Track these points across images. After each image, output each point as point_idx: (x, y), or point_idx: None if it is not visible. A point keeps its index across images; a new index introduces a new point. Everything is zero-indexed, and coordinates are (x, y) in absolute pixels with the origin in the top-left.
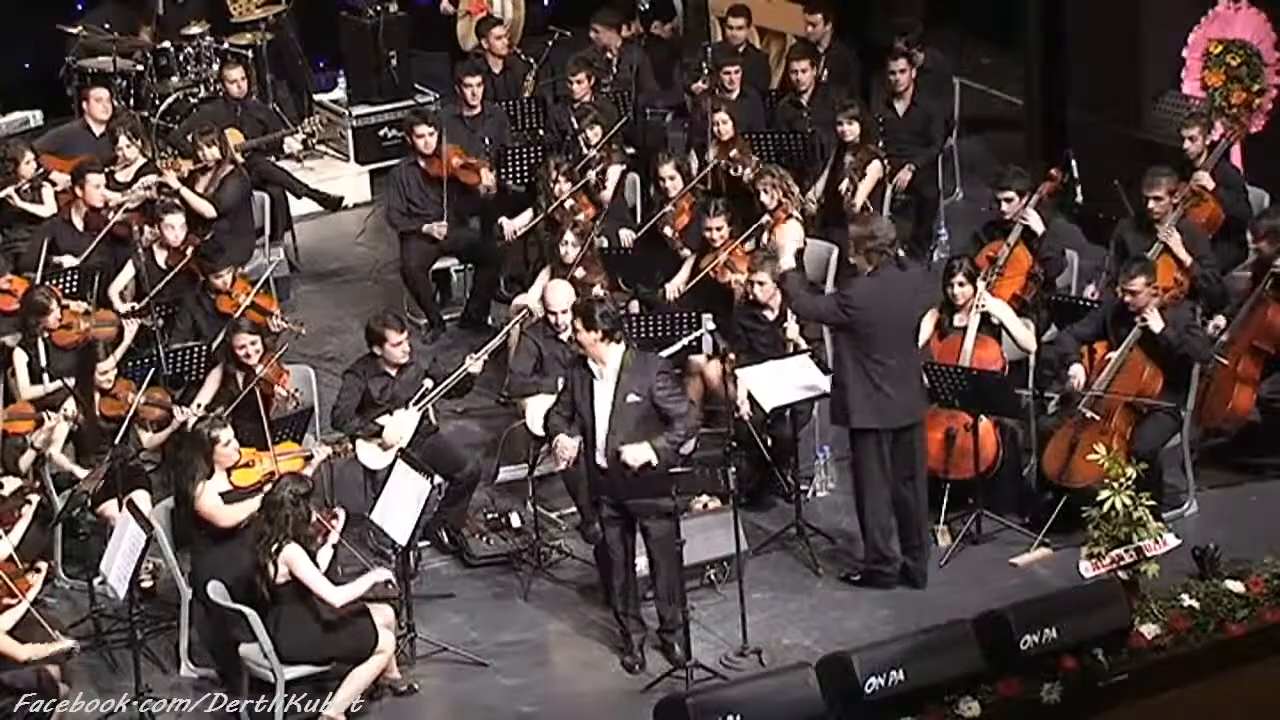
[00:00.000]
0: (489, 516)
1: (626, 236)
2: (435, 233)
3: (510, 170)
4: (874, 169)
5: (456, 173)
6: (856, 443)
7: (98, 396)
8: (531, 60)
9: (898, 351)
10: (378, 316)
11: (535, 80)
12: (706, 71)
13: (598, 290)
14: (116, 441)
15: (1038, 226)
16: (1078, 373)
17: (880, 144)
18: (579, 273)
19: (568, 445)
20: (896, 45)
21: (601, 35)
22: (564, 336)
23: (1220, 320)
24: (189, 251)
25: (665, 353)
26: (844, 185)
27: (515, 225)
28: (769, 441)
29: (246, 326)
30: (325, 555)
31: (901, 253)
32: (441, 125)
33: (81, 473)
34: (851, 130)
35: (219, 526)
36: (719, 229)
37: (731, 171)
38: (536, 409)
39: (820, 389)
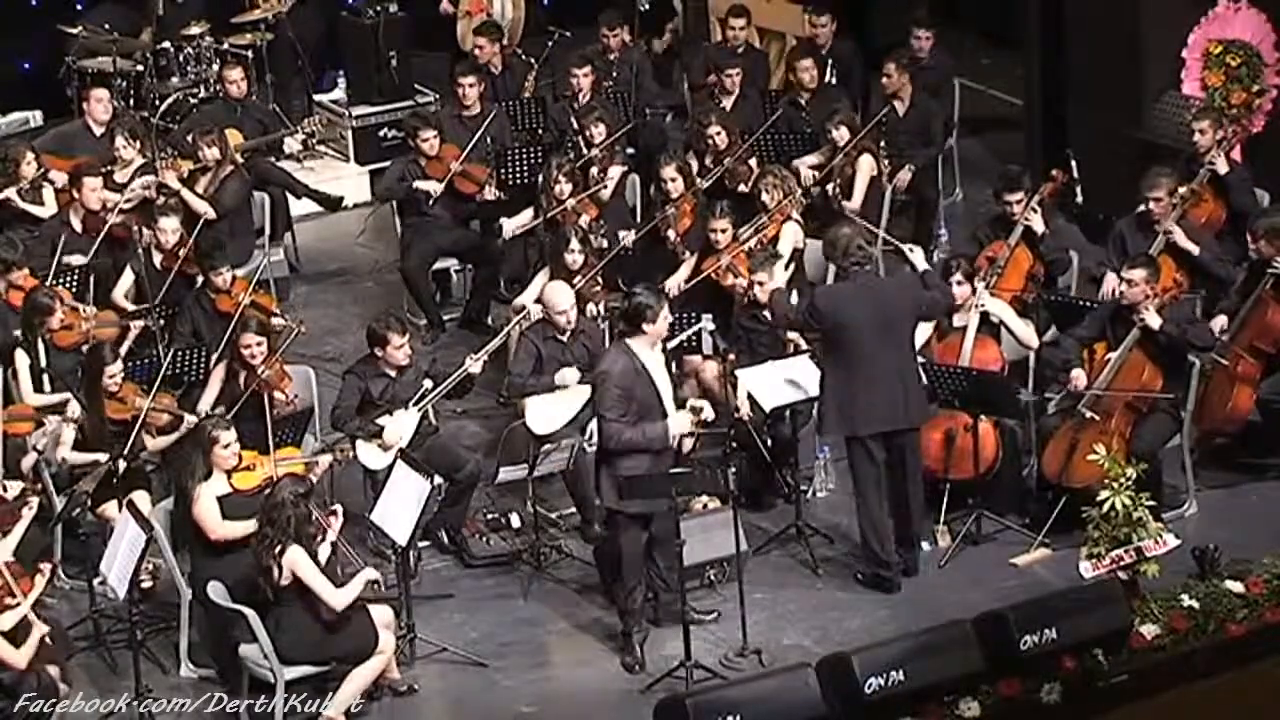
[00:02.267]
0: (489, 516)
1: (626, 238)
2: (431, 189)
3: (510, 170)
4: (864, 163)
5: (455, 178)
6: (849, 448)
7: (103, 400)
8: (532, 60)
9: (873, 356)
10: (380, 319)
11: (535, 80)
12: (712, 71)
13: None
14: (126, 449)
15: (1039, 227)
16: (1079, 376)
17: (882, 143)
18: (578, 280)
19: (679, 424)
20: (915, 35)
21: (610, 38)
22: (564, 337)
23: (1223, 320)
24: (182, 254)
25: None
26: (830, 187)
27: (515, 224)
28: (769, 442)
29: (254, 326)
30: (324, 553)
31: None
32: (443, 127)
33: (104, 457)
34: (841, 135)
35: (208, 537)
36: (723, 230)
37: (727, 183)
38: (536, 409)
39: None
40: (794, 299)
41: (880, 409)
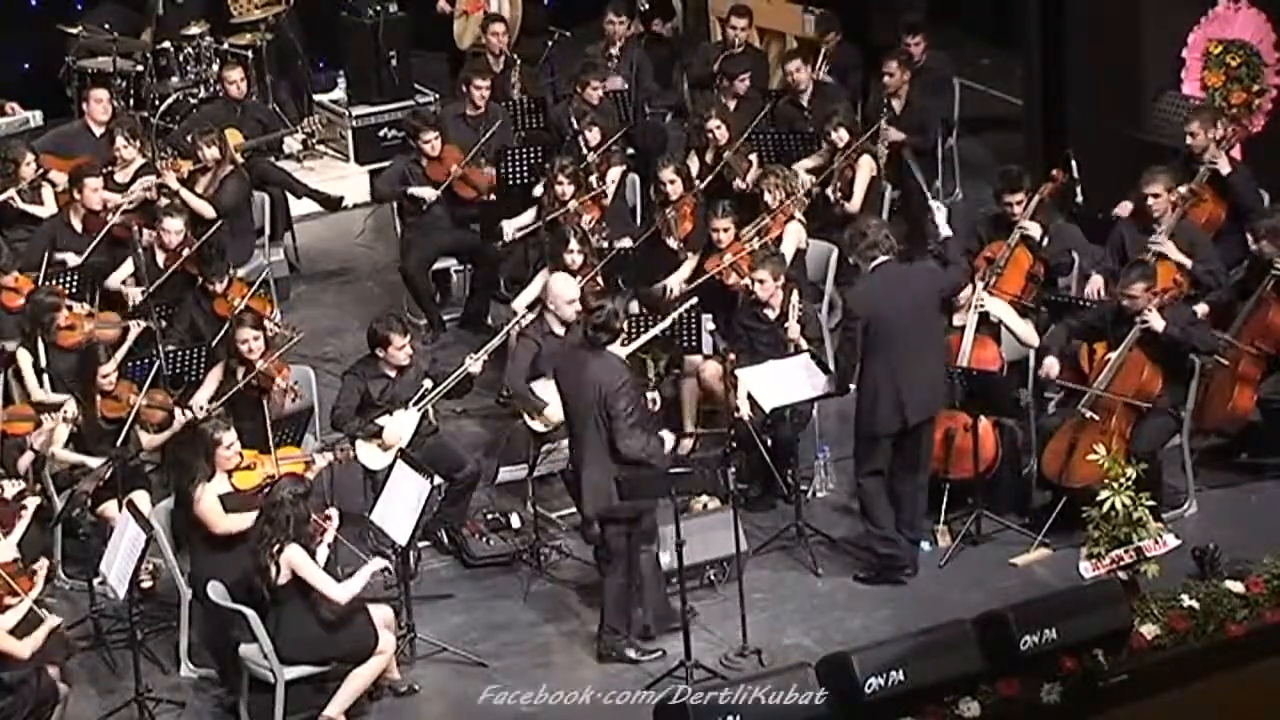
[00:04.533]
0: (489, 516)
1: (622, 243)
2: (426, 196)
3: (511, 170)
4: (864, 164)
5: (455, 184)
6: (866, 442)
7: (99, 398)
8: (516, 57)
9: (908, 345)
10: (380, 319)
11: (522, 78)
12: (718, 75)
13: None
14: (118, 443)
15: (1036, 234)
16: (1051, 364)
17: (883, 145)
18: (577, 280)
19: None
20: (904, 42)
21: (616, 24)
22: (562, 332)
23: (1204, 306)
24: (184, 254)
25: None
26: (829, 190)
27: (516, 225)
28: (769, 442)
29: (249, 321)
30: (322, 555)
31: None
32: (444, 127)
33: (93, 462)
34: (840, 137)
35: (213, 532)
36: (725, 230)
37: (726, 175)
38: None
39: (821, 389)
40: (795, 297)
41: (918, 398)
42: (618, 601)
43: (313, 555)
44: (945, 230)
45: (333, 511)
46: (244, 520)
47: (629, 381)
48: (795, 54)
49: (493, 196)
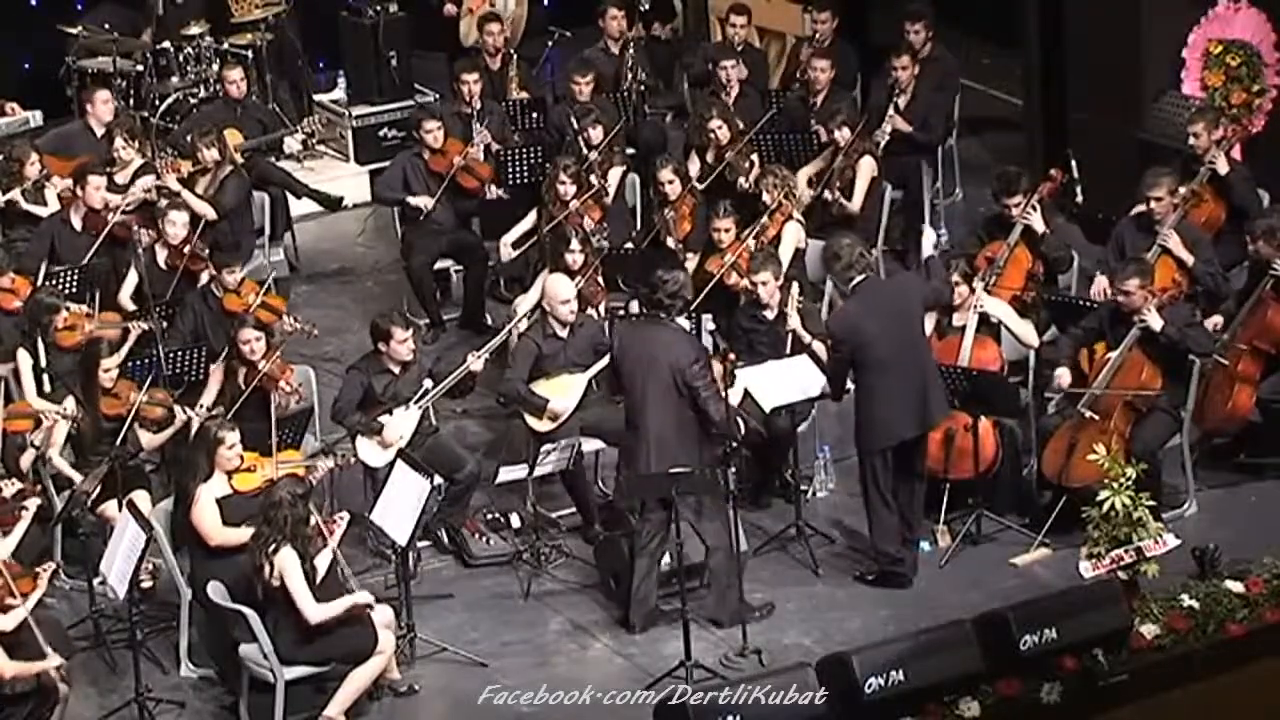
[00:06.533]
0: (489, 516)
1: (625, 245)
2: (423, 205)
3: (511, 170)
4: (865, 165)
5: (458, 173)
6: (866, 456)
7: (99, 396)
8: (513, 53)
9: (897, 362)
10: (383, 314)
11: (519, 74)
12: (710, 68)
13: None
14: (117, 442)
15: (1039, 226)
16: (1063, 374)
17: (880, 144)
18: (578, 280)
19: None
20: (907, 33)
21: (617, 19)
22: (563, 333)
23: (1218, 319)
24: (187, 251)
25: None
26: (829, 190)
27: (510, 240)
28: (768, 442)
29: (251, 322)
30: (324, 559)
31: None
32: (446, 121)
33: (79, 478)
34: (843, 135)
35: (208, 543)
36: (726, 230)
37: (727, 175)
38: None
39: (819, 389)
40: (795, 290)
41: (912, 413)
42: (646, 575)
43: (312, 559)
44: (929, 249)
45: (341, 515)
46: (239, 534)
47: (703, 353)
48: (821, 53)
49: (493, 189)
